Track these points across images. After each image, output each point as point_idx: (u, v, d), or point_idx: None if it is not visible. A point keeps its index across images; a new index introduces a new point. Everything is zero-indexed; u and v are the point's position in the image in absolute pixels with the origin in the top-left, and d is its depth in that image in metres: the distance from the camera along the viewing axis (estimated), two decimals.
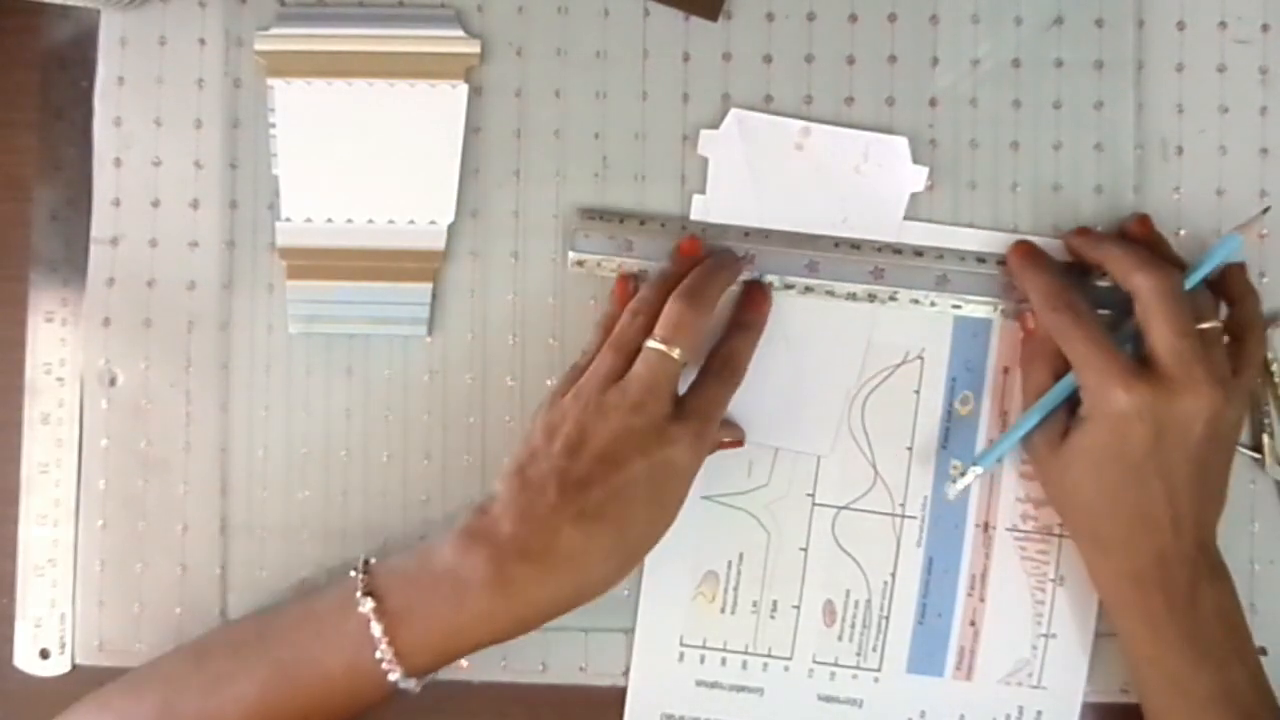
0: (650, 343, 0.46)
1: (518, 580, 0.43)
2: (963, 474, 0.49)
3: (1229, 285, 0.49)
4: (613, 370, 0.46)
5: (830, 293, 0.51)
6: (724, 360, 0.49)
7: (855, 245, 0.51)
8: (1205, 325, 0.47)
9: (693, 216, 0.51)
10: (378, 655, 0.44)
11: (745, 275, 0.50)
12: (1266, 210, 0.50)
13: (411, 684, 0.44)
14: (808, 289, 0.51)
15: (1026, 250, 0.50)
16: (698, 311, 0.47)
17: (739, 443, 0.50)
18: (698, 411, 0.47)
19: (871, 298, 0.50)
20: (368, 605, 0.44)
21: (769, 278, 0.51)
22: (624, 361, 0.46)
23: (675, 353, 0.46)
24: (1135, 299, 0.46)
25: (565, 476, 0.44)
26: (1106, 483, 0.46)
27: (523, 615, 0.44)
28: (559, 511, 0.44)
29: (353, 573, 0.45)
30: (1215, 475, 0.47)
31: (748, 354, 0.49)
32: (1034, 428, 0.48)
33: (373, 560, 0.46)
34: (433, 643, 0.44)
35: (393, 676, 0.44)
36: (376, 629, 0.44)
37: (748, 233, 0.51)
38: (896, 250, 0.51)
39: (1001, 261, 0.50)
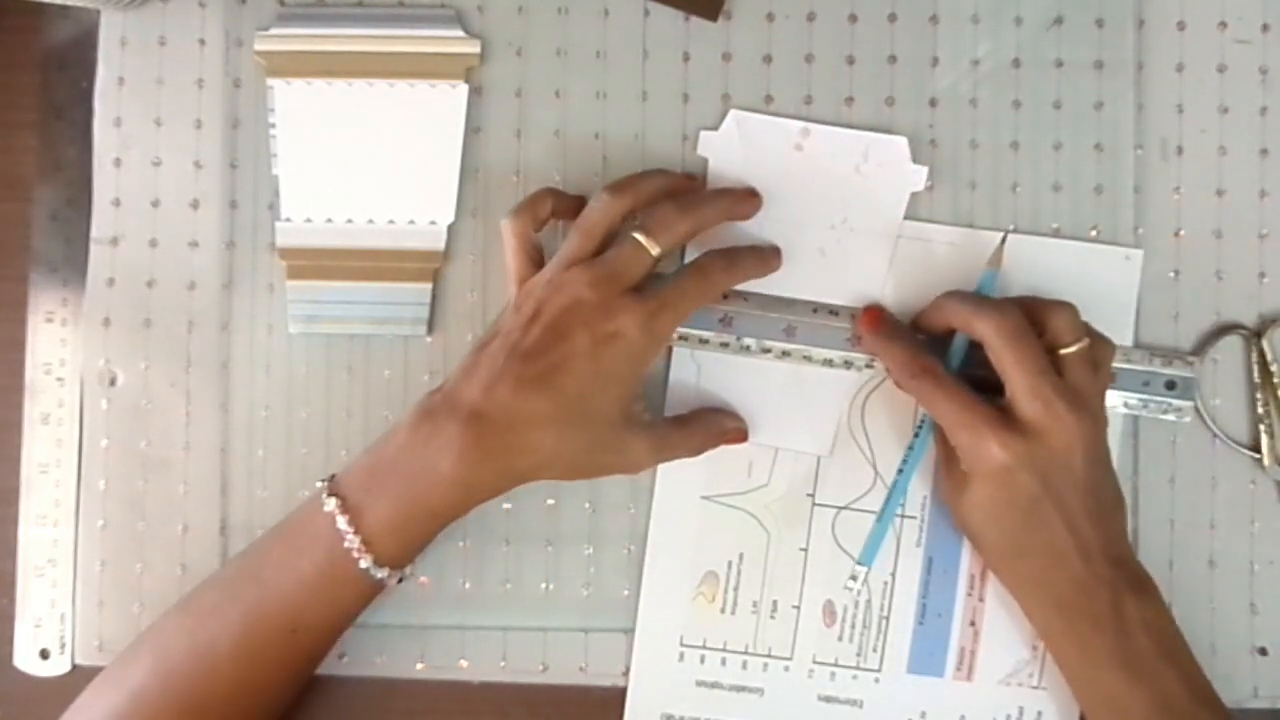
0: (633, 232, 0.46)
1: (459, 443, 0.44)
2: (856, 579, 0.50)
3: (1042, 317, 0.47)
4: (580, 252, 0.47)
5: (807, 358, 0.50)
6: (711, 267, 0.48)
7: (834, 311, 0.50)
8: (1070, 349, 0.46)
9: None
10: (346, 545, 0.45)
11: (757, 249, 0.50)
12: (1004, 238, 0.50)
13: (385, 573, 0.46)
14: (785, 354, 0.50)
15: (876, 318, 0.50)
16: (689, 220, 0.47)
17: (742, 435, 0.50)
18: (659, 295, 0.46)
19: (848, 364, 0.50)
20: (331, 504, 0.45)
21: (746, 341, 0.50)
22: (591, 245, 0.47)
23: (653, 249, 0.46)
24: (985, 346, 0.46)
25: (516, 347, 0.45)
26: (1007, 530, 0.47)
27: (468, 481, 0.45)
28: (501, 377, 0.45)
29: (319, 483, 0.47)
30: (1106, 491, 0.47)
31: (734, 278, 0.49)
32: (938, 477, 0.50)
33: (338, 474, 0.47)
34: (395, 522, 0.45)
35: (364, 564, 0.45)
36: (341, 521, 0.45)
37: (725, 295, 0.50)
38: None
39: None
